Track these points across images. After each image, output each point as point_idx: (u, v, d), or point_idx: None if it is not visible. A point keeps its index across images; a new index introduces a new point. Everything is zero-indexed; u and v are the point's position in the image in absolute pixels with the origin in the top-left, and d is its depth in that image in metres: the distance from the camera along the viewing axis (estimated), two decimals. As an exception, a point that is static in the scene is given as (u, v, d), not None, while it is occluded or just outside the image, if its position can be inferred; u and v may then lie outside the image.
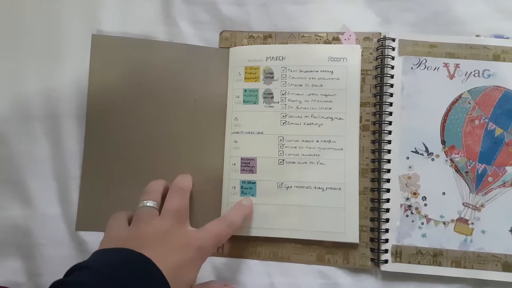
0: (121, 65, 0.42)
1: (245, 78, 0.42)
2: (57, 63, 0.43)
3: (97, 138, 0.41)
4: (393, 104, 0.40)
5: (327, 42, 0.42)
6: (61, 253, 0.40)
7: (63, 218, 0.41)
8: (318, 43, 0.42)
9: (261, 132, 0.41)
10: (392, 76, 0.41)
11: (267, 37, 0.43)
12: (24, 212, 0.41)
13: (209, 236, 0.34)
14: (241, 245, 0.40)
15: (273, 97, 0.42)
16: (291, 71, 0.42)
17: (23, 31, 0.43)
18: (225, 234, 0.35)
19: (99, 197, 0.40)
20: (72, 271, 0.28)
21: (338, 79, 0.41)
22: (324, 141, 0.41)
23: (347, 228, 0.39)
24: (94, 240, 0.40)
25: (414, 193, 0.40)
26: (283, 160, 0.41)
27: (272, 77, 0.42)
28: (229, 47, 0.43)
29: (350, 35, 0.42)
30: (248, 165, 0.41)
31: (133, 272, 0.28)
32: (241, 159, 0.41)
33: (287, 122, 0.41)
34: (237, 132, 0.42)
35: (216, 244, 0.35)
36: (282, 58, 0.42)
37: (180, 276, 0.30)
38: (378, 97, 0.41)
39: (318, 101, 0.41)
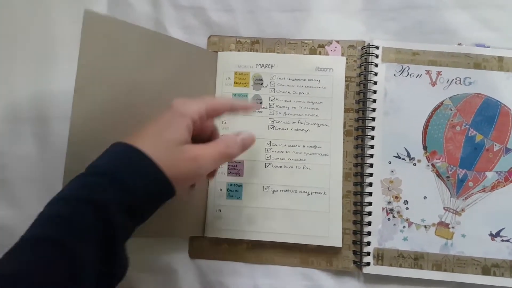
0: (113, 50, 0.37)
1: (234, 82, 0.43)
2: (47, 65, 0.43)
3: (81, 137, 0.37)
4: (376, 110, 0.41)
5: (313, 49, 0.43)
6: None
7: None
8: (304, 50, 0.43)
9: (249, 136, 0.42)
10: (375, 83, 0.42)
11: (254, 43, 0.44)
12: (11, 213, 0.41)
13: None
14: (226, 247, 0.41)
15: (261, 102, 0.43)
16: (280, 78, 0.43)
17: (14, 33, 0.44)
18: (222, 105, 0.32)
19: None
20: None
21: (324, 88, 0.42)
22: (310, 146, 0.42)
23: (331, 232, 0.40)
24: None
25: (396, 197, 0.40)
26: (270, 164, 0.42)
27: (262, 84, 0.43)
28: (217, 52, 0.44)
29: (336, 47, 0.43)
30: (235, 167, 0.42)
31: (118, 162, 0.27)
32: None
33: (274, 127, 0.42)
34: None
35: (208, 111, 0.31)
36: (272, 66, 0.43)
37: (159, 140, 0.28)
38: (361, 103, 0.42)
39: (305, 108, 0.42)
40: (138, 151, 0.27)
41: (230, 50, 0.44)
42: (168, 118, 0.29)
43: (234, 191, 0.41)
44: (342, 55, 0.43)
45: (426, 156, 0.41)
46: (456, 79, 0.42)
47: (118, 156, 0.27)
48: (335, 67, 0.42)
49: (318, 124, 0.42)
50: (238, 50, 0.44)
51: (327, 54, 0.43)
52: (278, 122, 0.42)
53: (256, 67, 0.43)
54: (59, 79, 0.43)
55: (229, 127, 0.42)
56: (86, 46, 0.35)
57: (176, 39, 0.42)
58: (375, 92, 0.42)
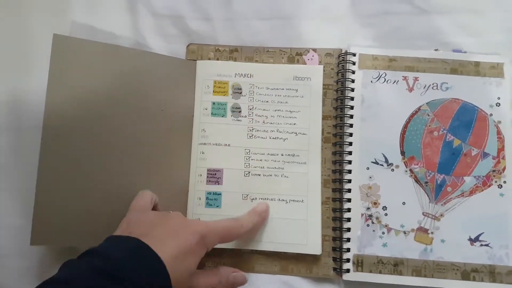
0: (84, 71, 0.38)
1: (213, 91, 0.43)
2: (21, 74, 0.43)
3: (55, 147, 0.37)
4: (353, 116, 0.41)
5: (291, 57, 0.44)
6: (24, 265, 0.40)
7: (27, 230, 0.41)
8: (283, 58, 0.44)
9: (228, 144, 0.42)
10: (352, 90, 0.42)
11: (233, 51, 0.44)
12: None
13: (215, 227, 0.34)
14: (205, 256, 0.40)
15: (240, 111, 0.43)
16: (258, 88, 0.43)
17: None
18: (234, 232, 0.35)
19: (57, 209, 0.37)
20: (84, 256, 0.29)
21: (302, 97, 0.42)
22: (289, 155, 0.42)
23: (309, 240, 0.40)
24: (56, 253, 0.40)
25: (375, 203, 0.40)
26: (249, 172, 0.42)
27: (240, 93, 0.43)
28: (195, 60, 0.44)
29: (313, 56, 0.43)
30: (214, 176, 0.42)
31: (135, 263, 0.28)
32: (208, 170, 0.42)
33: (253, 136, 0.42)
34: (204, 143, 0.42)
35: (222, 238, 0.34)
36: (250, 76, 0.43)
37: (180, 263, 0.30)
38: (339, 110, 0.42)
39: (283, 116, 0.42)
40: (168, 277, 0.28)
41: (209, 59, 0.44)
42: (194, 244, 0.31)
43: (213, 200, 0.41)
44: (320, 63, 0.43)
45: (404, 162, 0.41)
46: (433, 84, 0.42)
47: (151, 271, 0.28)
48: (313, 76, 0.43)
49: (296, 133, 0.42)
50: (217, 59, 0.44)
51: (304, 63, 0.43)
52: (257, 130, 0.42)
53: (235, 76, 0.43)
54: (35, 88, 0.42)
55: (208, 135, 0.42)
56: (56, 69, 0.37)
57: (152, 53, 0.43)
58: (352, 98, 0.42)
